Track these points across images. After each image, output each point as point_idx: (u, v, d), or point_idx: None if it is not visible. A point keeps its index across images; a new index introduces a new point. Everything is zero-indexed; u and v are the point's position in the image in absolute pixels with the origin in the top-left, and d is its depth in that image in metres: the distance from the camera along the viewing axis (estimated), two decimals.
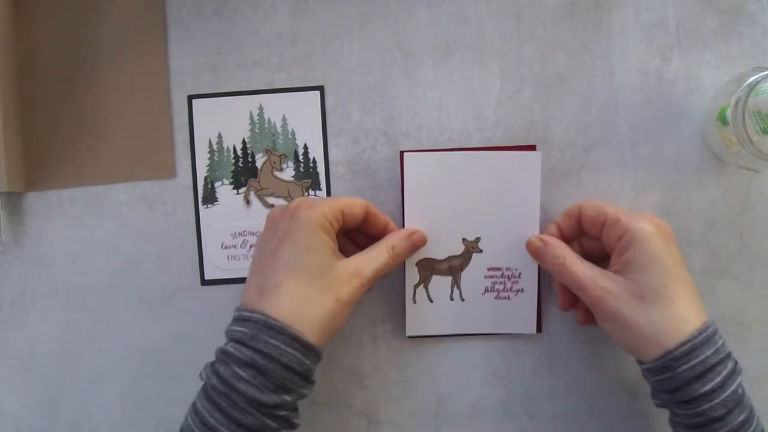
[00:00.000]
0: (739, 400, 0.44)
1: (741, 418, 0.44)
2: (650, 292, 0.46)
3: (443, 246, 0.55)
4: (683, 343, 0.44)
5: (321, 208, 0.48)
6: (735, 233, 0.55)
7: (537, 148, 0.55)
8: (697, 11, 0.54)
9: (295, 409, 0.47)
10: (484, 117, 0.55)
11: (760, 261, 0.54)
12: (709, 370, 0.44)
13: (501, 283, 0.55)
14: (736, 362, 0.46)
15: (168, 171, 0.56)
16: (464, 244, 0.55)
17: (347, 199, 0.50)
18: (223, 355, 0.45)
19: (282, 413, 0.45)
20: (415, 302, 0.55)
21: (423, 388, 0.56)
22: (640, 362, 0.47)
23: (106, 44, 0.56)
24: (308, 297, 0.46)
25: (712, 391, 0.44)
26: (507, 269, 0.55)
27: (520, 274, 0.55)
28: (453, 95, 0.55)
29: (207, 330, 0.56)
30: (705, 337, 0.45)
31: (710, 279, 0.55)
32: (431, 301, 0.55)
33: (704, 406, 0.44)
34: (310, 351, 0.45)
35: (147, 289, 0.56)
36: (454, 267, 0.55)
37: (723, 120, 0.50)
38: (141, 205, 0.56)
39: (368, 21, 0.55)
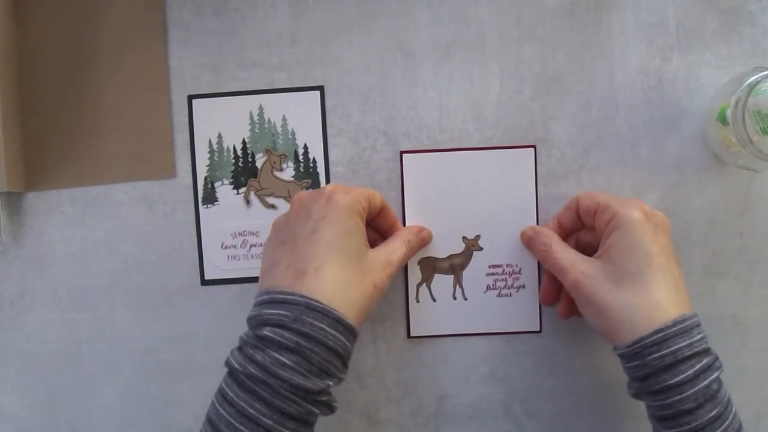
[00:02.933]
0: (712, 396, 0.43)
1: (713, 413, 0.43)
2: (628, 276, 0.46)
3: (444, 245, 0.55)
4: (656, 332, 0.44)
5: (355, 194, 0.48)
6: (735, 233, 0.55)
7: (537, 148, 0.55)
8: (697, 11, 0.54)
9: (331, 394, 0.46)
10: (484, 117, 0.55)
11: (760, 261, 0.54)
12: (681, 362, 0.43)
13: (502, 280, 0.55)
14: (716, 358, 0.45)
15: (168, 171, 0.56)
16: (465, 242, 0.55)
17: (370, 190, 0.50)
18: (258, 340, 0.43)
19: (324, 398, 0.44)
20: (418, 301, 0.55)
21: (423, 388, 0.56)
22: (614, 348, 0.47)
23: (106, 44, 0.56)
24: (350, 281, 0.46)
25: (681, 384, 0.43)
26: (507, 266, 0.55)
27: (520, 270, 0.55)
28: (453, 95, 0.55)
29: (207, 330, 0.56)
30: (680, 329, 0.44)
31: (710, 279, 0.55)
32: (434, 300, 0.55)
33: (673, 398, 0.43)
34: (352, 334, 0.45)
35: (147, 289, 0.56)
36: (456, 265, 0.55)
37: (723, 120, 0.50)
38: (141, 205, 0.56)
39: (368, 21, 0.55)
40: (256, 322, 0.45)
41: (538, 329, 0.55)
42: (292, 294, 0.44)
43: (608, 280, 0.46)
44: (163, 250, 0.56)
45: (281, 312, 0.44)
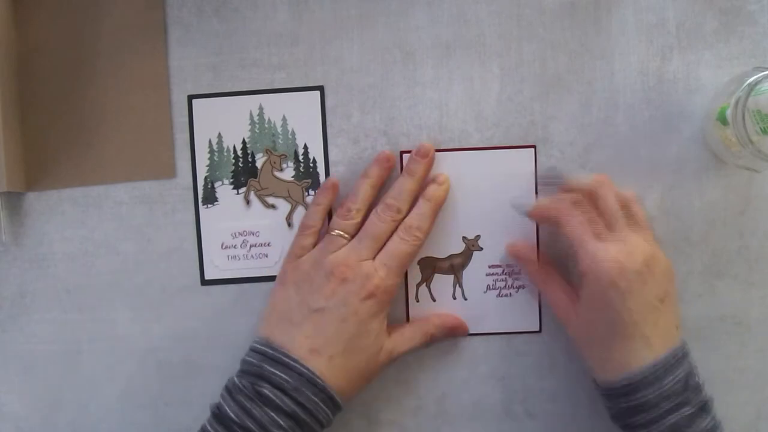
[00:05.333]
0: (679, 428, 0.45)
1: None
2: (597, 337, 0.48)
3: (444, 244, 0.55)
4: (625, 384, 0.46)
5: (395, 286, 0.51)
6: (735, 233, 0.55)
7: (537, 148, 0.55)
8: (697, 11, 0.54)
9: None
10: (484, 117, 0.55)
11: (760, 261, 0.54)
12: (651, 406, 0.45)
13: (502, 280, 0.55)
14: (689, 400, 0.46)
15: (168, 171, 0.56)
16: (465, 242, 0.55)
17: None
18: (257, 395, 0.47)
19: None
20: (418, 301, 0.55)
21: (423, 388, 0.56)
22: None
23: (106, 44, 0.56)
24: (359, 372, 0.50)
25: (647, 423, 0.46)
26: (507, 266, 0.55)
27: (520, 270, 0.55)
28: (453, 95, 0.55)
29: (207, 330, 0.56)
30: (651, 378, 0.45)
31: (710, 279, 0.55)
32: (434, 300, 0.55)
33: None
34: (338, 409, 0.50)
35: (147, 289, 0.56)
36: (456, 265, 0.55)
37: (723, 120, 0.50)
38: (141, 205, 0.56)
39: (368, 21, 0.55)
40: (255, 374, 0.48)
41: (538, 329, 0.55)
42: (299, 364, 0.48)
43: (583, 330, 0.49)
44: (163, 250, 0.56)
45: (284, 376, 0.47)
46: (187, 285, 0.56)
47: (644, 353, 0.46)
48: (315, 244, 0.53)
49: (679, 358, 0.46)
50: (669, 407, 0.45)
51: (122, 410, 0.56)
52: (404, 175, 0.53)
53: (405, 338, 0.53)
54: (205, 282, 0.56)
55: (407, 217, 0.52)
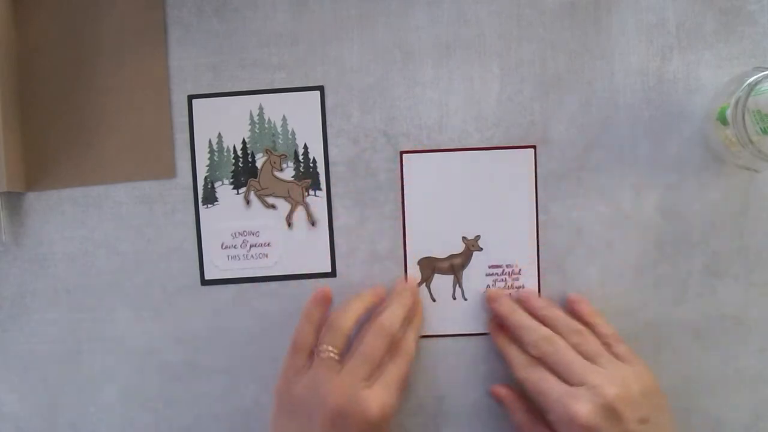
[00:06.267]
0: None
1: None
2: None
3: (444, 245, 0.55)
4: None
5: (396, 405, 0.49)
6: (735, 233, 0.55)
7: (537, 148, 0.55)
8: (697, 11, 0.54)
9: None
10: (484, 117, 0.55)
11: (760, 261, 0.54)
12: None
13: (502, 280, 0.55)
14: None
15: (168, 171, 0.56)
16: (464, 242, 0.55)
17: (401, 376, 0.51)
18: None
19: None
20: None
21: (423, 388, 0.56)
22: None
23: (106, 44, 0.56)
24: None
25: None
26: (507, 266, 0.55)
27: (520, 270, 0.55)
28: (453, 95, 0.55)
29: (207, 330, 0.56)
30: None
31: (710, 279, 0.55)
32: (434, 300, 0.55)
33: None
34: None
35: (147, 289, 0.56)
36: (456, 265, 0.55)
37: (723, 120, 0.50)
38: (141, 205, 0.56)
39: (368, 21, 0.55)
40: None
41: None
42: None
43: None
44: (163, 250, 0.56)
45: None
46: (187, 285, 0.56)
47: None
48: (307, 365, 0.51)
49: None
50: None
51: (122, 410, 0.56)
52: (395, 299, 0.53)
53: (394, 391, 0.50)
54: (205, 282, 0.56)
55: (400, 341, 0.52)
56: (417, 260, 0.55)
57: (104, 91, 0.56)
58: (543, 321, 0.52)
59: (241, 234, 0.56)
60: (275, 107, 0.56)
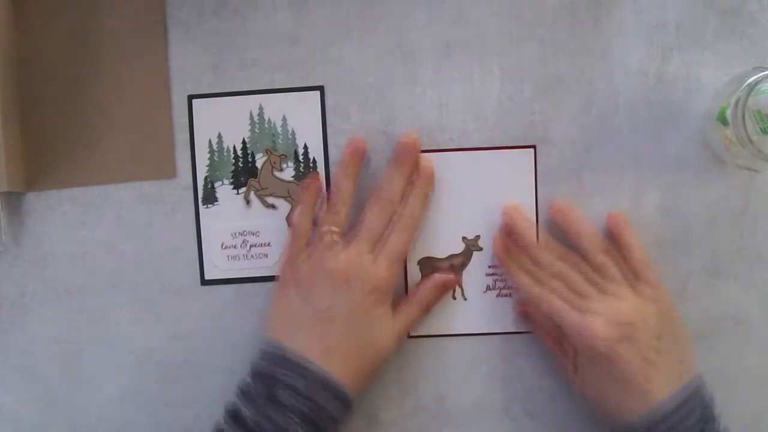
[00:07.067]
0: None
1: None
2: (601, 400, 0.50)
3: (444, 245, 0.55)
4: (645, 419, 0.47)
5: (395, 271, 0.52)
6: (735, 233, 0.55)
7: (537, 148, 0.55)
8: (697, 11, 0.54)
9: None
10: (484, 117, 0.55)
11: (760, 261, 0.54)
12: None
13: (502, 280, 0.55)
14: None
15: (168, 171, 0.56)
16: (465, 242, 0.55)
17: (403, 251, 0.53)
18: (274, 399, 0.47)
19: None
20: None
21: (423, 388, 0.56)
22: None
23: (106, 44, 0.56)
24: (369, 364, 0.51)
25: None
26: None
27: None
28: (453, 95, 0.55)
29: (207, 330, 0.56)
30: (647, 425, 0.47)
31: (710, 279, 0.55)
32: None
33: None
34: (351, 407, 0.50)
35: (147, 289, 0.56)
36: (456, 265, 0.55)
37: (723, 120, 0.50)
38: (141, 205, 0.56)
39: (368, 21, 0.55)
40: (268, 376, 0.48)
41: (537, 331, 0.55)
42: (313, 366, 0.48)
43: (588, 389, 0.51)
44: (163, 250, 0.56)
45: (298, 378, 0.48)
46: (187, 285, 0.56)
47: (645, 399, 0.47)
48: (306, 243, 0.53)
49: (688, 395, 0.47)
50: None
51: (122, 410, 0.56)
52: (392, 166, 0.53)
53: (406, 316, 0.53)
54: (205, 282, 0.56)
55: (401, 208, 0.52)
56: (417, 260, 0.55)
57: (104, 91, 0.56)
58: (575, 235, 0.52)
59: (241, 234, 0.56)
60: (275, 107, 0.56)
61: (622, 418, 0.48)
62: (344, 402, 0.49)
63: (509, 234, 0.53)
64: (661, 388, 0.47)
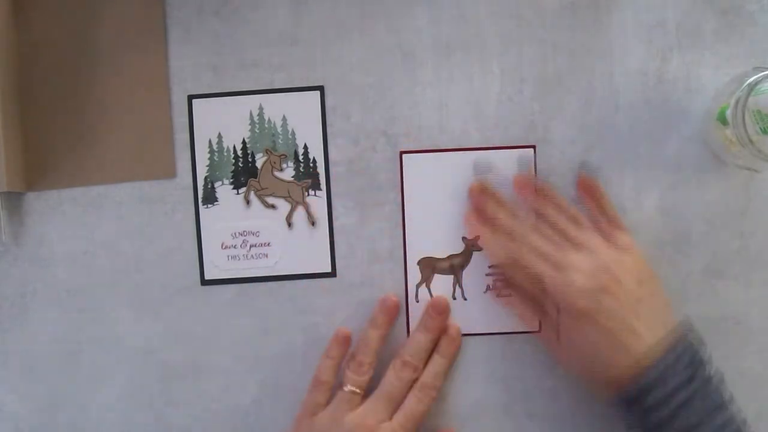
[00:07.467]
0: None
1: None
2: (579, 354, 0.50)
3: (444, 245, 0.55)
4: (616, 399, 0.47)
5: None
6: (735, 233, 0.55)
7: (537, 148, 0.55)
8: (697, 11, 0.54)
9: None
10: (484, 117, 0.55)
11: (760, 261, 0.54)
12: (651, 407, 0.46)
13: (502, 280, 0.55)
14: (691, 383, 0.46)
15: (168, 171, 0.56)
16: (464, 242, 0.55)
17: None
18: None
19: None
20: (418, 301, 0.55)
21: None
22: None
23: (106, 44, 0.56)
24: None
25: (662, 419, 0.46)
26: None
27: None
28: (453, 95, 0.55)
29: (207, 330, 0.56)
30: (638, 390, 0.46)
31: (710, 279, 0.55)
32: None
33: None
34: None
35: (147, 289, 0.56)
36: (455, 265, 0.55)
37: (723, 120, 0.50)
38: (141, 205, 0.56)
39: (368, 21, 0.55)
40: None
41: (538, 329, 0.55)
42: None
43: (570, 350, 0.51)
44: (163, 250, 0.56)
45: None
46: (187, 285, 0.56)
47: (631, 349, 0.47)
48: (329, 400, 0.52)
49: (675, 340, 0.47)
50: (677, 385, 0.45)
51: (122, 410, 0.56)
52: (420, 330, 0.53)
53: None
54: (205, 282, 0.56)
55: (423, 376, 0.52)
56: (417, 260, 0.55)
57: (104, 91, 0.56)
58: (548, 197, 0.53)
59: (241, 234, 0.56)
60: (275, 107, 0.56)
61: (610, 375, 0.47)
62: None
63: (482, 192, 0.53)
64: (647, 337, 0.47)
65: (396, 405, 0.51)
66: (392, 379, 0.52)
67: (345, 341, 0.53)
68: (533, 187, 0.53)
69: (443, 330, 0.54)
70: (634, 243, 0.51)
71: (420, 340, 0.53)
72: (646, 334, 0.47)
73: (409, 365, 0.52)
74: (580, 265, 0.48)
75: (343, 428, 0.50)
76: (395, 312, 0.54)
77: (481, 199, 0.53)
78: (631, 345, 0.47)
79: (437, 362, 0.53)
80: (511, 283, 0.53)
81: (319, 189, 0.56)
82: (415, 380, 0.52)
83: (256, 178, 0.56)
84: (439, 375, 0.53)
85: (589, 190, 0.53)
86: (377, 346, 0.53)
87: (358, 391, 0.51)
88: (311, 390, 0.53)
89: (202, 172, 0.56)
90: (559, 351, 0.52)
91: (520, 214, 0.52)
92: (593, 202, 0.53)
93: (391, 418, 0.51)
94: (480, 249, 0.55)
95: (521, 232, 0.51)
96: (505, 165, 0.55)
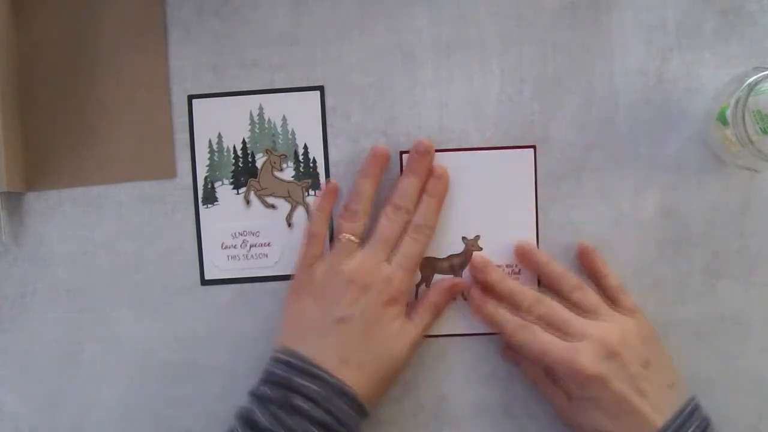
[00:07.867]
0: None
1: None
2: (589, 423, 0.49)
3: (444, 245, 0.55)
4: None
5: (409, 281, 0.52)
6: (735, 233, 0.55)
7: (537, 148, 0.55)
8: (697, 11, 0.54)
9: None
10: (484, 117, 0.55)
11: (760, 261, 0.54)
12: None
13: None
14: None
15: (168, 171, 0.56)
16: (464, 242, 0.55)
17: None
18: (290, 407, 0.47)
19: None
20: None
21: (423, 388, 0.56)
22: None
23: (106, 44, 0.56)
24: (386, 374, 0.51)
25: None
26: (507, 266, 0.55)
27: (520, 270, 0.55)
28: (453, 95, 0.55)
29: (207, 330, 0.56)
30: None
31: (710, 279, 0.55)
32: None
33: None
34: (367, 417, 0.50)
35: (147, 289, 0.56)
36: (455, 265, 0.55)
37: (723, 120, 0.50)
38: (141, 205, 0.56)
39: (368, 21, 0.55)
40: (284, 385, 0.48)
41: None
42: (330, 375, 0.48)
43: (581, 415, 0.50)
44: (163, 250, 0.56)
45: (315, 388, 0.47)
46: (187, 285, 0.56)
47: (639, 429, 0.47)
48: (323, 252, 0.53)
49: (683, 420, 0.47)
50: None
51: (122, 410, 0.56)
52: (407, 174, 0.53)
53: (420, 323, 0.53)
54: (205, 282, 0.56)
55: (415, 216, 0.52)
56: None
57: (104, 91, 0.56)
58: (545, 276, 0.53)
59: (241, 234, 0.56)
60: (275, 107, 0.56)
61: None
62: (361, 412, 0.49)
63: (483, 289, 0.53)
64: (655, 417, 0.47)
65: (392, 247, 0.52)
66: (385, 223, 0.52)
67: (333, 192, 0.54)
68: (536, 260, 0.53)
69: (429, 172, 0.53)
70: (640, 313, 0.51)
71: (408, 183, 0.53)
72: (653, 415, 0.47)
73: (401, 208, 0.52)
74: (585, 349, 0.48)
75: (342, 273, 0.50)
76: (385, 161, 0.54)
77: (483, 273, 0.53)
78: (638, 426, 0.47)
79: (427, 202, 0.53)
80: (518, 352, 0.52)
81: (319, 189, 0.56)
82: (408, 223, 0.52)
83: (256, 178, 0.56)
84: (431, 214, 0.53)
85: (588, 258, 0.53)
86: (369, 194, 0.53)
87: (353, 239, 0.52)
88: (305, 244, 0.53)
89: (202, 172, 0.56)
90: (568, 411, 0.51)
91: (525, 305, 0.51)
92: (594, 273, 0.53)
93: (389, 260, 0.51)
94: (480, 249, 0.55)
95: (527, 304, 0.51)
96: (505, 165, 0.55)
